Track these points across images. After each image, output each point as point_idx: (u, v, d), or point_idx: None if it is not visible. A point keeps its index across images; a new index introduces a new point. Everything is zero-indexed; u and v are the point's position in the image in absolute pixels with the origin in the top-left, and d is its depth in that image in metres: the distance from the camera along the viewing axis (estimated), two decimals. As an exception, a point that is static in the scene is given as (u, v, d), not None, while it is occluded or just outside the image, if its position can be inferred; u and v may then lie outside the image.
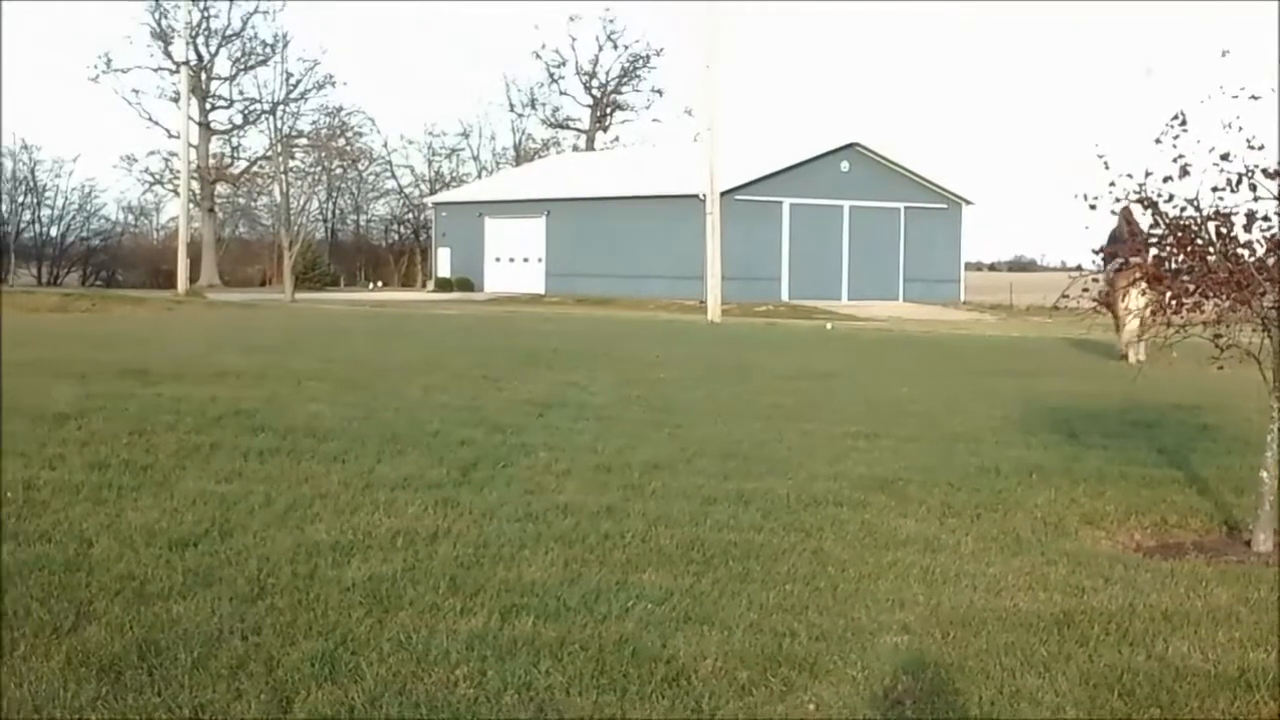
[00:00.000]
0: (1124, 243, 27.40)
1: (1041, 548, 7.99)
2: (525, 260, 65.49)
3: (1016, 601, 6.83)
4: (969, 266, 69.40)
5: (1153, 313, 8.52)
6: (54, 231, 78.32)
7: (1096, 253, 9.49)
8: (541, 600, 6.46)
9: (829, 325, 34.24)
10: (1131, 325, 21.36)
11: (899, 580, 7.12)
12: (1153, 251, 8.51)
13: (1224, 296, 8.15)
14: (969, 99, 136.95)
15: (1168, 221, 8.24)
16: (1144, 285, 8.59)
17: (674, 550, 7.52)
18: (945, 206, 62.51)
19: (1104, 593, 7.02)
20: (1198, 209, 8.09)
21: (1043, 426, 12.56)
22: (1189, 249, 8.17)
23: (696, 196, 48.70)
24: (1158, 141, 8.15)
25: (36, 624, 5.87)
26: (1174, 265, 8.37)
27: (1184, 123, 8.06)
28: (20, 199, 76.74)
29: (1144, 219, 8.40)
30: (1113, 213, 8.58)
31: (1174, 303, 8.31)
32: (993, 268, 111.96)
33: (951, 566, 7.43)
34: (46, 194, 77.83)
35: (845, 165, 60.17)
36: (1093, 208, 8.35)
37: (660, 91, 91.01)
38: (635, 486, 9.23)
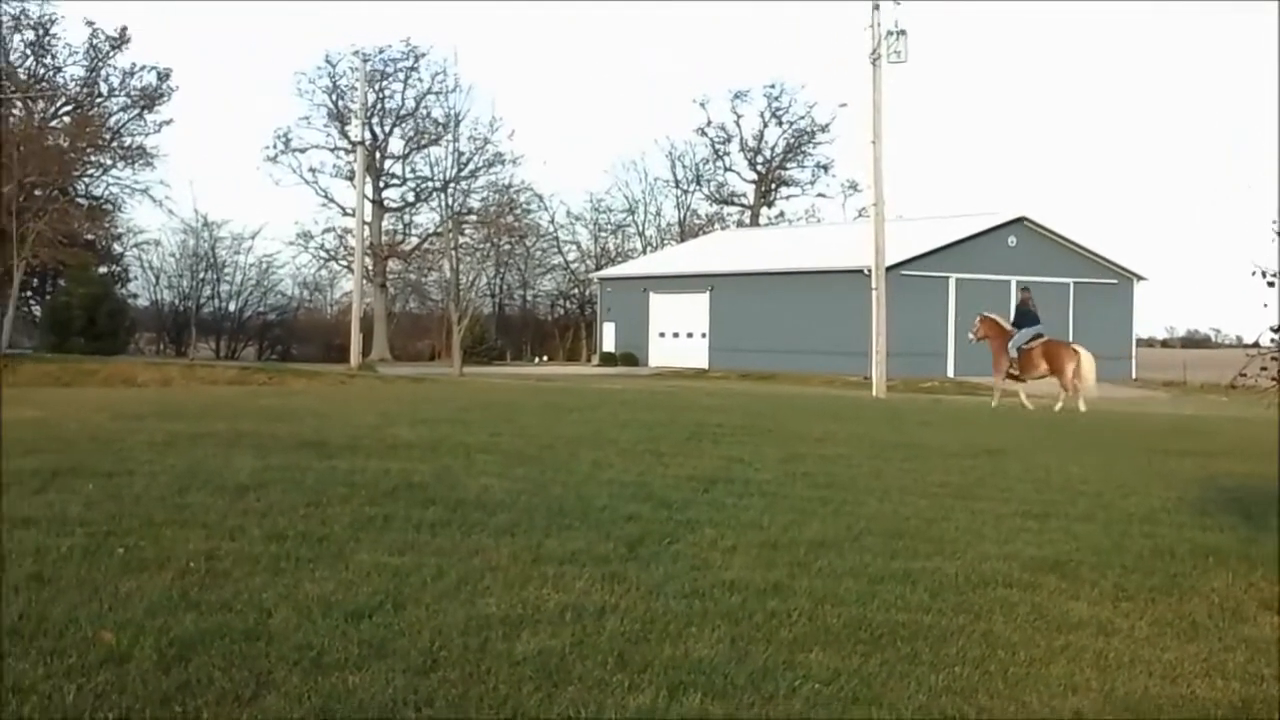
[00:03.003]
0: (1032, 319, 36.62)
1: (1219, 633, 7.79)
2: (689, 335, 65.81)
3: (1194, 689, 6.67)
4: (1140, 343, 68.15)
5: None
6: (232, 306, 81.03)
7: (1276, 330, 9.31)
8: (708, 678, 6.47)
9: (995, 402, 33.76)
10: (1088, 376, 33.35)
11: (1071, 665, 7.01)
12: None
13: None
14: (1140, 172, 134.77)
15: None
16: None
17: (841, 629, 7.48)
18: (1116, 282, 61.56)
19: (1285, 681, 6.84)
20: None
21: (1219, 508, 12.26)
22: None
23: (861, 271, 48.58)
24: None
25: (219, 692, 6.04)
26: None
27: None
28: (201, 275, 79.49)
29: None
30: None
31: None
32: (1165, 344, 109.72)
33: (1125, 651, 7.29)
34: (226, 270, 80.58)
35: (1013, 240, 59.64)
36: (1270, 284, 8.22)
37: (825, 167, 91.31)
38: (801, 564, 9.20)
